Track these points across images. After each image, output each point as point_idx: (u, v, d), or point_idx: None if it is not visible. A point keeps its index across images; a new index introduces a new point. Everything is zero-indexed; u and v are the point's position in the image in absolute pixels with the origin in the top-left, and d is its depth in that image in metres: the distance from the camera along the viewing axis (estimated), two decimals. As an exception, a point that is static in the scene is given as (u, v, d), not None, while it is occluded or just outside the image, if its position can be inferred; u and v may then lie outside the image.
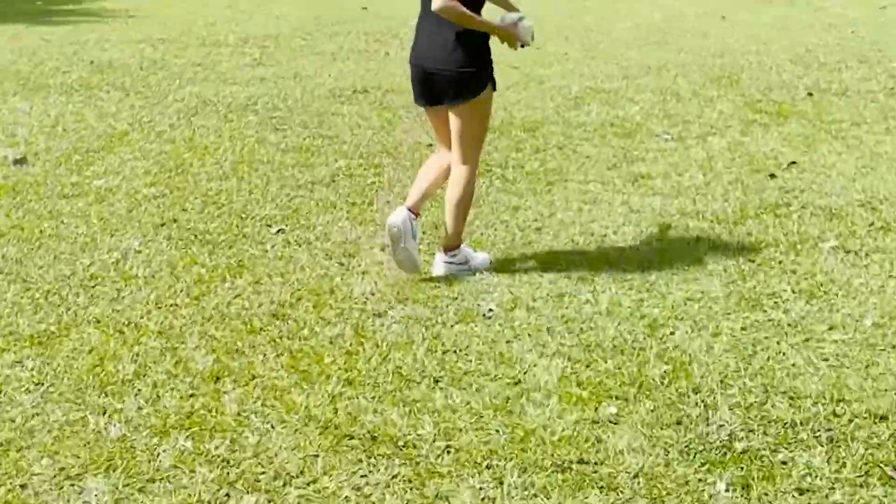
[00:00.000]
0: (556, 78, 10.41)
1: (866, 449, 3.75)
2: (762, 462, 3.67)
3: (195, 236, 5.89)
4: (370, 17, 15.23)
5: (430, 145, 7.82)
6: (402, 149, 7.76)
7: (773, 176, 6.94)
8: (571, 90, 9.80)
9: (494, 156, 7.49)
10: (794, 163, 7.25)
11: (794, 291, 5.10)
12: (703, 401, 4.07)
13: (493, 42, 5.23)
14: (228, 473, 3.60)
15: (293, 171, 7.14)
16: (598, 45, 12.57)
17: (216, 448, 3.75)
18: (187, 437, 3.82)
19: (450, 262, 5.41)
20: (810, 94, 9.41)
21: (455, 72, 5.14)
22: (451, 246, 5.42)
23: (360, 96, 9.57)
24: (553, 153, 7.62)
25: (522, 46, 5.30)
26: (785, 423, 3.91)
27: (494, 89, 5.32)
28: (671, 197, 6.59)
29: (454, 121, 5.28)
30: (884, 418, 3.95)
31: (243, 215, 6.26)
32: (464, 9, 5.00)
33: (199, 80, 10.33)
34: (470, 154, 5.32)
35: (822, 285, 5.17)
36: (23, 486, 3.54)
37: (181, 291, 5.13)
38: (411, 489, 3.52)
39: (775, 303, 4.98)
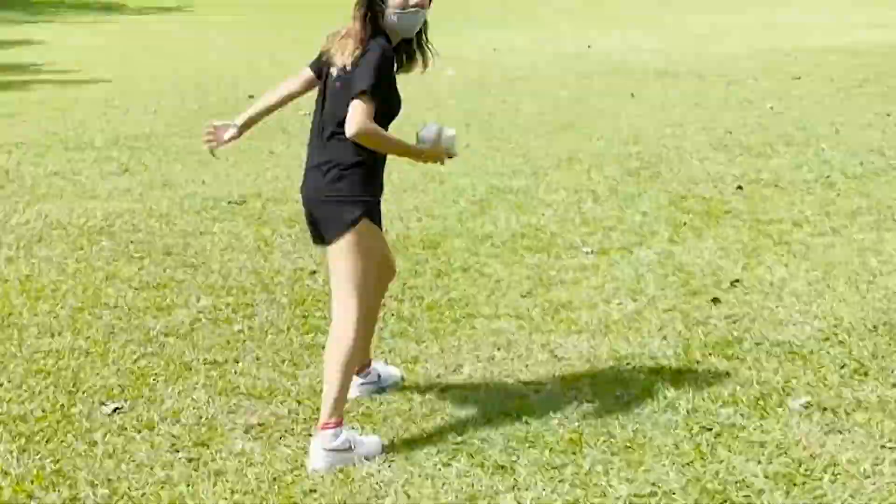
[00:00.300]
0: (457, 175, 9.35)
1: None
2: None
3: (6, 426, 4.62)
4: (257, 108, 14.08)
5: (315, 272, 6.66)
6: (280, 279, 6.58)
7: (716, 301, 5.90)
8: (476, 191, 8.74)
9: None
10: (737, 281, 6.23)
11: (767, 477, 4.01)
12: None
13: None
14: None
15: (144, 318, 5.90)
16: (501, 132, 11.58)
17: None
18: None
19: (330, 451, 4.23)
20: (740, 188, 8.48)
21: (325, 199, 4.35)
22: (331, 423, 4.27)
23: (235, 208, 8.38)
24: (458, 278, 6.51)
25: (450, 157, 4.52)
26: None
27: (380, 227, 4.43)
28: (599, 334, 5.50)
29: (329, 259, 4.45)
30: None
31: (73, 387, 5.00)
32: (384, 133, 4.28)
33: (53, 195, 9.05)
34: (350, 302, 4.35)
35: (801, 465, 4.09)
36: None
37: (-31, 524, 3.87)
38: None
39: (747, 497, 3.88)
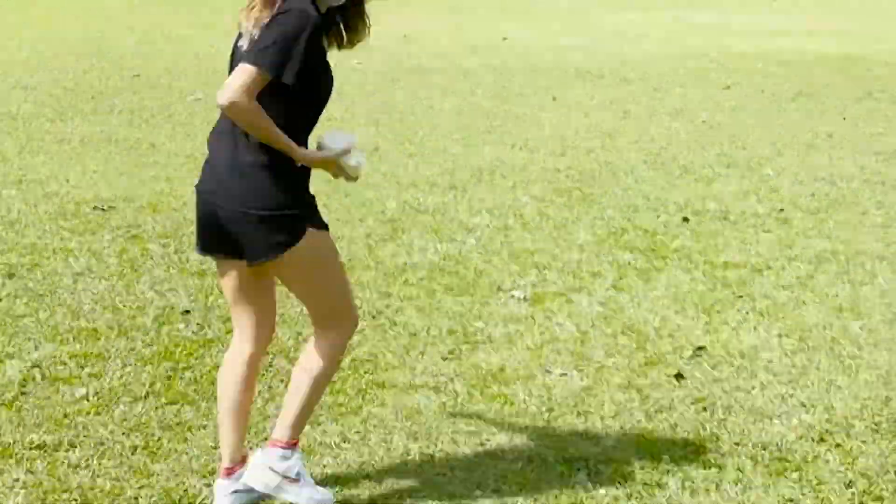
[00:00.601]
0: (364, 186, 8.17)
1: None
2: None
3: None
4: (142, 88, 12.70)
5: (188, 312, 5.45)
6: (144, 319, 5.34)
7: (679, 377, 4.85)
8: (386, 208, 7.59)
9: (278, 333, 5.16)
10: (701, 349, 5.18)
11: None
12: None
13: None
14: None
15: (-37, 374, 4.63)
16: (415, 134, 10.42)
17: None
18: None
19: (274, 472, 3.56)
20: (686, 220, 7.46)
21: (246, 214, 3.42)
22: (282, 442, 3.60)
23: (101, 217, 7.07)
24: (364, 328, 5.34)
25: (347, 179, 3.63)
26: None
27: (325, 228, 3.58)
28: (541, 420, 4.41)
29: (283, 281, 3.66)
30: None
31: None
32: (263, 115, 3.32)
33: None
34: (331, 310, 3.65)
35: None
36: None
37: None
38: None
39: None
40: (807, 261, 6.59)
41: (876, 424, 4.38)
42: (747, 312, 5.67)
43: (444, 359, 5.01)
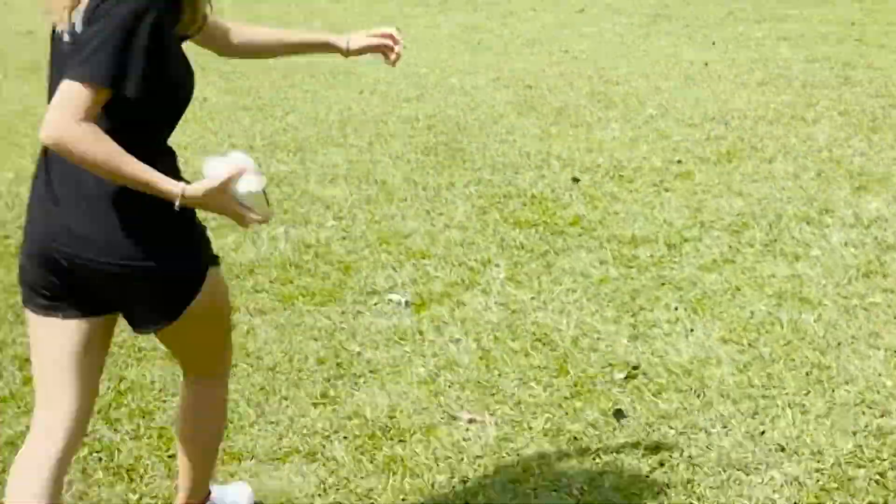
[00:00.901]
0: (192, 152, 6.87)
1: None
2: None
3: None
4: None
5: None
6: None
7: (619, 415, 3.79)
8: (221, 180, 6.29)
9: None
10: (635, 368, 4.15)
11: None
12: None
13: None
14: None
15: None
16: (246, 79, 9.08)
17: None
18: None
19: None
20: (576, 180, 6.42)
21: (139, 268, 2.46)
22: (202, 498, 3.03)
23: None
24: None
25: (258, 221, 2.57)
26: None
27: (218, 264, 2.68)
28: (455, 499, 3.31)
29: (166, 339, 2.73)
30: None
31: None
32: (107, 142, 2.28)
33: None
34: (219, 355, 2.86)
35: None
36: None
37: None
38: None
39: None
40: (724, 229, 5.64)
41: (880, 475, 3.43)
42: (676, 308, 4.66)
43: (316, 404, 3.86)
